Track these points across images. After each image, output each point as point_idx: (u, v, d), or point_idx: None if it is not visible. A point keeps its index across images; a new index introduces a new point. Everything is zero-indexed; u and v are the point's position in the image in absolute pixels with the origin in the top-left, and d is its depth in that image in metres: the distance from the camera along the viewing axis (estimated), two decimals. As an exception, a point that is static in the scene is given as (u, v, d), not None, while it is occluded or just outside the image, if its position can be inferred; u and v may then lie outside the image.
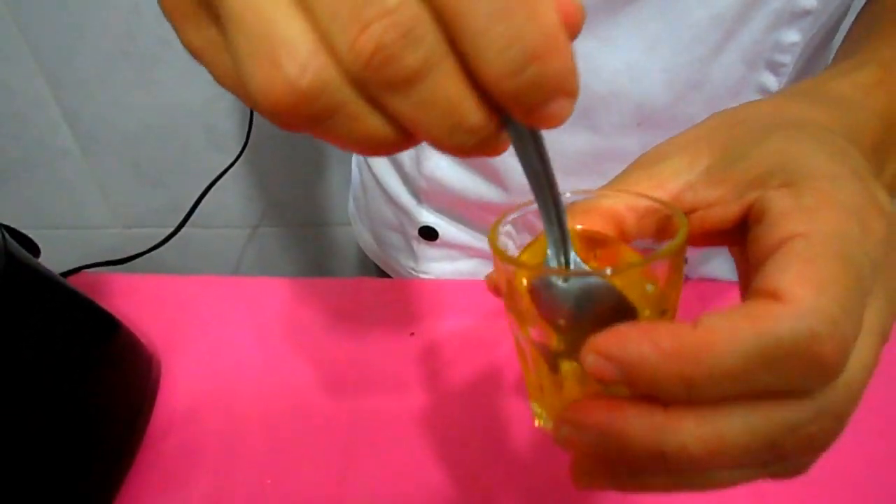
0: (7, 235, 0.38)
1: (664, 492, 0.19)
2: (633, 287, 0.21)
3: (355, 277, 0.54)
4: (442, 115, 0.15)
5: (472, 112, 0.15)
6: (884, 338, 0.19)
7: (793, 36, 0.38)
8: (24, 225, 0.41)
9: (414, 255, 0.58)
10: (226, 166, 0.63)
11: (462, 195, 0.50)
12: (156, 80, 0.79)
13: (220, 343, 0.49)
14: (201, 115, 0.82)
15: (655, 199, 0.23)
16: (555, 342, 0.23)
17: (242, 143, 0.63)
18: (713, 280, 0.54)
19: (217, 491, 0.40)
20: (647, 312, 0.22)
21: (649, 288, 0.21)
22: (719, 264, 0.55)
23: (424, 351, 0.47)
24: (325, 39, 0.14)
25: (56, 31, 0.75)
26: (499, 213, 0.25)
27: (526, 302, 0.22)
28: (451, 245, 0.56)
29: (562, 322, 0.22)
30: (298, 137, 0.85)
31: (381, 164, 0.56)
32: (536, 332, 0.23)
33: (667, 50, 0.38)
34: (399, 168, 0.54)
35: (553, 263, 0.22)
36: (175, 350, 0.48)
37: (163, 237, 0.57)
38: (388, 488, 0.40)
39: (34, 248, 0.42)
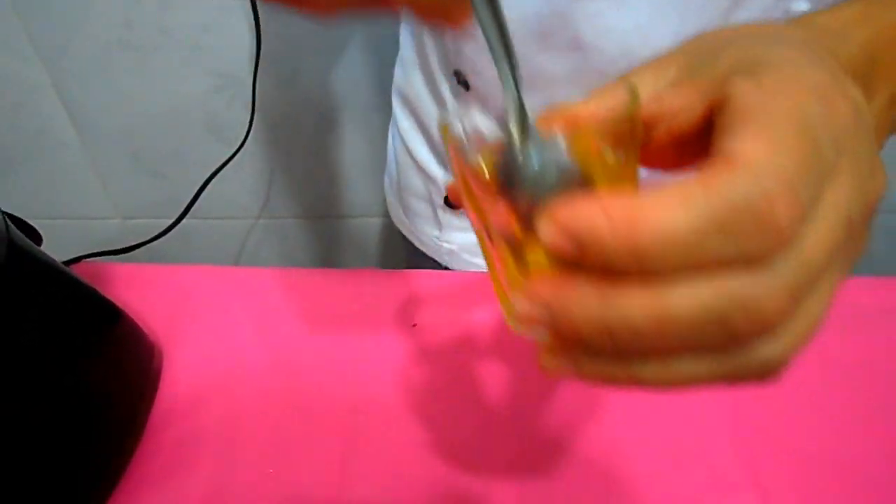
0: (9, 223, 0.37)
1: (627, 386, 0.19)
2: (593, 158, 0.22)
3: (357, 269, 0.54)
4: None
5: None
6: (849, 224, 0.18)
7: None
8: (22, 215, 0.41)
9: (438, 224, 0.60)
10: (227, 157, 0.63)
11: None
12: (156, 70, 0.78)
13: (221, 332, 0.49)
14: (202, 105, 0.82)
15: (613, 87, 0.23)
16: (518, 229, 0.23)
17: (244, 134, 0.63)
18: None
19: (218, 480, 0.40)
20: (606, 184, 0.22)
21: (609, 158, 0.22)
22: None
23: (426, 341, 0.48)
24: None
25: (55, 21, 0.75)
26: None
27: (486, 187, 0.23)
28: None
29: (524, 202, 0.22)
30: (300, 129, 0.85)
31: (412, 134, 0.57)
32: (499, 222, 0.23)
33: (676, 13, 0.38)
34: (428, 137, 0.55)
35: (512, 130, 0.22)
36: (176, 339, 0.48)
37: (163, 228, 0.57)
38: (389, 478, 0.40)
39: (36, 237, 0.42)
